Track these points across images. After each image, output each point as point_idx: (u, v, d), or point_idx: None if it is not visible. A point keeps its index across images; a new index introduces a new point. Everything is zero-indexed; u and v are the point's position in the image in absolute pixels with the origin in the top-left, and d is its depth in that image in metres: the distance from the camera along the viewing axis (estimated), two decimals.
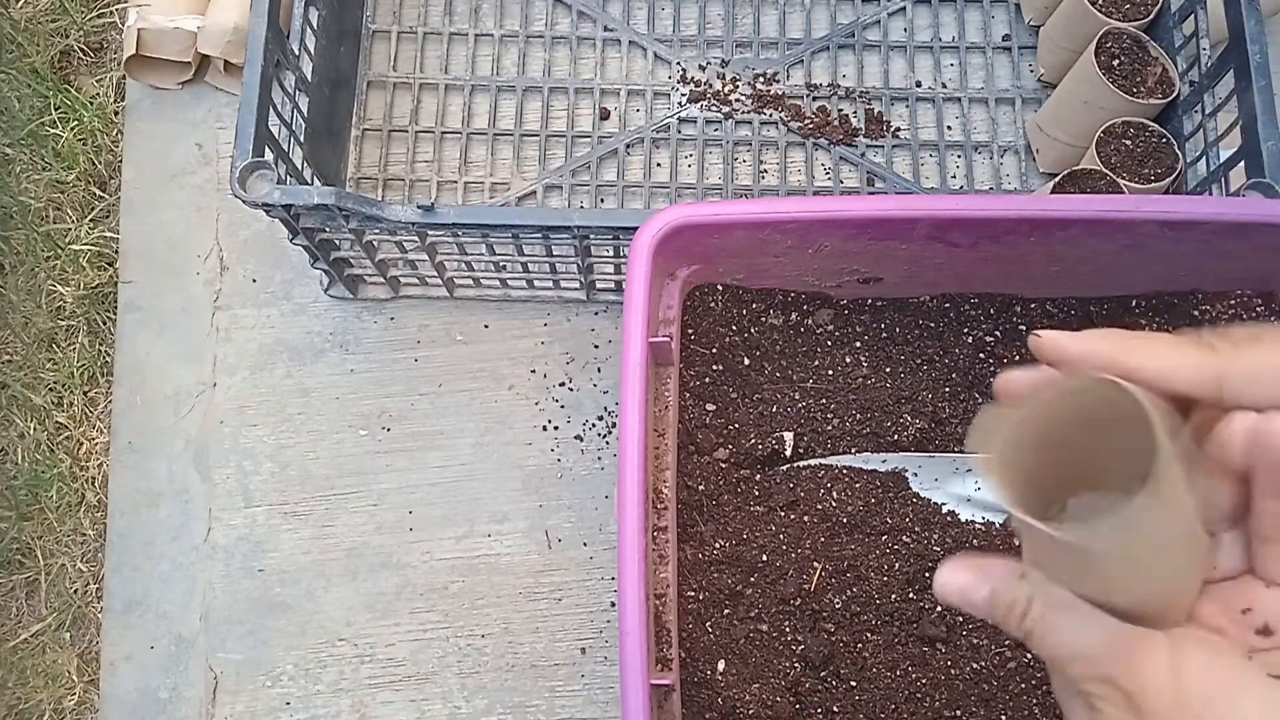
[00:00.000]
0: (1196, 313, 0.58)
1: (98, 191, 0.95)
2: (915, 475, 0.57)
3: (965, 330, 0.59)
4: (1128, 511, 0.24)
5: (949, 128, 0.76)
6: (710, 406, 0.58)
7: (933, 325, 0.60)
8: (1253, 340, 0.27)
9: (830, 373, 0.60)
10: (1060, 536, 0.25)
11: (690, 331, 0.59)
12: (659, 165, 0.75)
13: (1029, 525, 0.26)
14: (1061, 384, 0.29)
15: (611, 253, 0.64)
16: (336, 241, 0.64)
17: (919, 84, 0.77)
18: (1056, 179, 0.66)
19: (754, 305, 0.60)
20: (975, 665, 0.54)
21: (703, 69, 0.77)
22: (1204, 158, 0.64)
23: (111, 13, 1.01)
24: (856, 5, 0.79)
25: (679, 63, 0.77)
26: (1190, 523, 0.25)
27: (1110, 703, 0.24)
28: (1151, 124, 0.66)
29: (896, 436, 0.58)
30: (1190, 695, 0.23)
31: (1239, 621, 0.27)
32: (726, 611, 0.55)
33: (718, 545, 0.56)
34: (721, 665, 0.54)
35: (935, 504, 0.57)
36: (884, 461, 0.57)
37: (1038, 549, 0.28)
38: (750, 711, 0.53)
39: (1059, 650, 0.26)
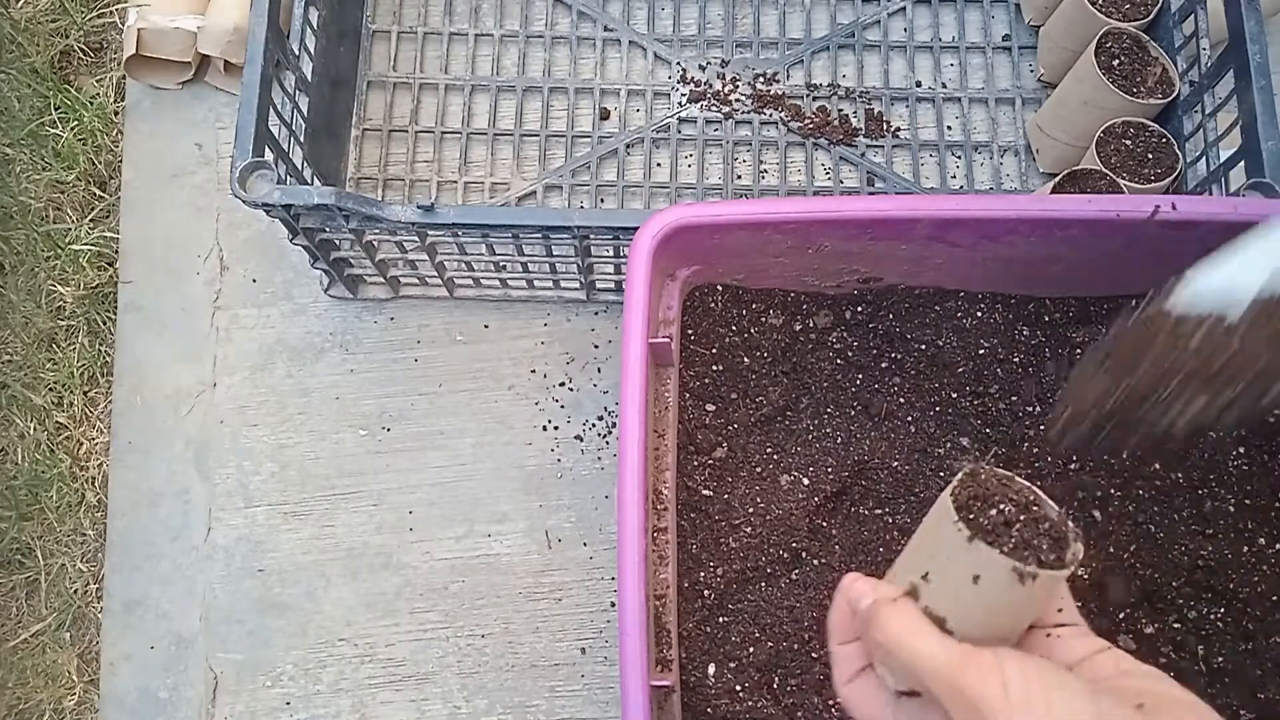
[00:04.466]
0: None
1: (98, 191, 0.95)
2: None
3: (966, 331, 0.59)
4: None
5: (949, 128, 0.76)
6: (710, 406, 0.58)
7: (932, 326, 0.59)
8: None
9: (831, 372, 0.60)
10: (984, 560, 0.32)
11: (690, 332, 0.59)
12: (659, 165, 0.75)
13: (966, 543, 0.33)
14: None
15: (611, 253, 0.64)
16: (336, 241, 0.64)
17: (919, 84, 0.77)
18: (1056, 179, 0.65)
19: (754, 305, 0.60)
20: None
21: (703, 69, 0.77)
22: (1204, 158, 0.64)
23: (111, 13, 1.01)
24: (856, 5, 0.79)
25: (679, 63, 0.77)
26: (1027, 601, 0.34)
27: (957, 707, 0.32)
28: (1151, 124, 0.66)
29: (897, 436, 0.58)
30: (1012, 685, 0.31)
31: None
32: (727, 612, 0.55)
33: (717, 546, 0.56)
34: (713, 668, 0.54)
35: None
36: None
37: (941, 569, 0.35)
38: (749, 713, 0.53)
39: (918, 659, 0.33)
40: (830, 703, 0.54)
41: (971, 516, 0.33)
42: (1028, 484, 0.35)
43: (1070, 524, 0.34)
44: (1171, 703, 0.32)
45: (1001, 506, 0.33)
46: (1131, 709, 0.31)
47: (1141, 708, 0.31)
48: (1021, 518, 0.33)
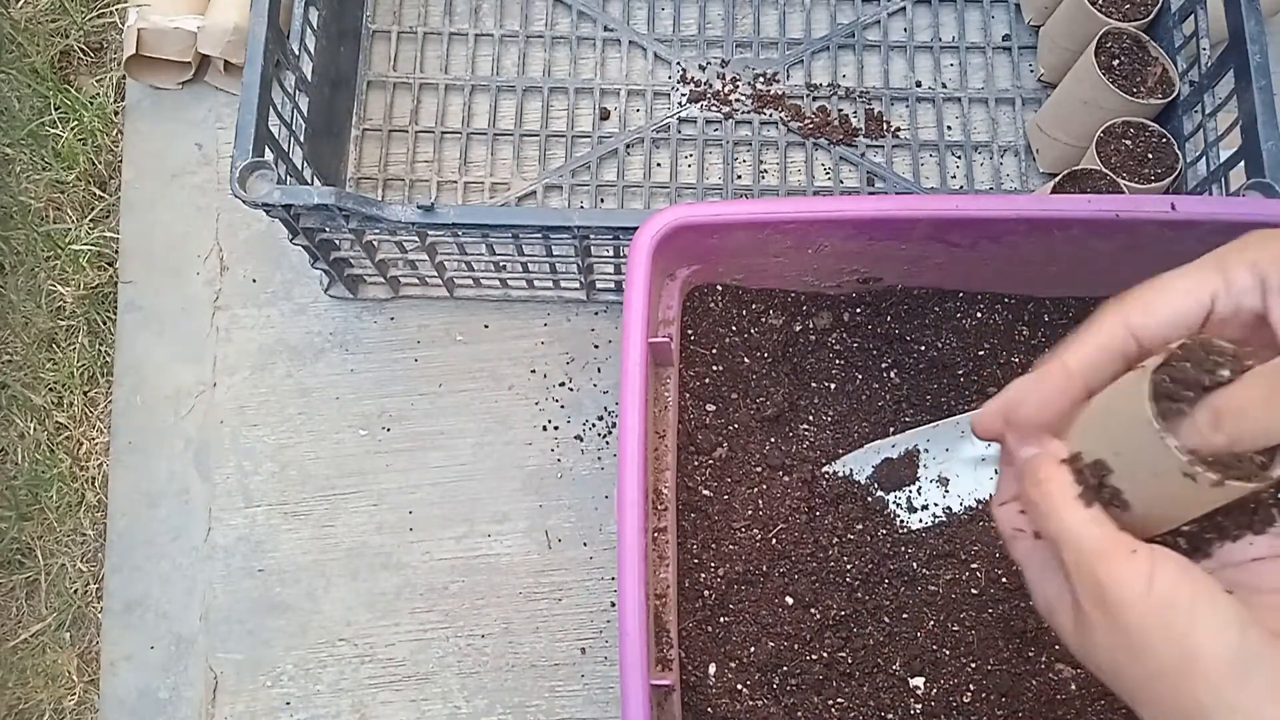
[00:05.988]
0: None
1: (98, 191, 0.95)
2: (927, 450, 0.57)
3: (966, 331, 0.59)
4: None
5: (949, 128, 0.76)
6: (710, 407, 0.58)
7: (932, 326, 0.60)
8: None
9: (831, 373, 0.60)
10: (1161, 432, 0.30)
11: (690, 332, 0.59)
12: (659, 165, 0.75)
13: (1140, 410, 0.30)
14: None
15: (611, 253, 0.64)
16: (336, 241, 0.64)
17: (919, 84, 0.77)
18: (1056, 179, 0.65)
19: (754, 305, 0.60)
20: (963, 699, 0.54)
21: (703, 69, 0.77)
22: (1204, 158, 0.64)
23: (111, 13, 1.01)
24: (856, 5, 0.79)
25: (679, 63, 0.77)
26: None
27: (1086, 591, 0.30)
28: (1151, 124, 0.66)
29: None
30: (1157, 587, 0.28)
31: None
32: (727, 612, 0.55)
33: (717, 546, 0.56)
34: (714, 668, 0.54)
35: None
36: (893, 446, 0.57)
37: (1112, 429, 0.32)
38: (749, 712, 0.53)
39: (1063, 534, 0.31)
40: (830, 702, 0.54)
41: (1171, 406, 0.30)
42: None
43: None
44: None
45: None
46: None
47: None
48: None
